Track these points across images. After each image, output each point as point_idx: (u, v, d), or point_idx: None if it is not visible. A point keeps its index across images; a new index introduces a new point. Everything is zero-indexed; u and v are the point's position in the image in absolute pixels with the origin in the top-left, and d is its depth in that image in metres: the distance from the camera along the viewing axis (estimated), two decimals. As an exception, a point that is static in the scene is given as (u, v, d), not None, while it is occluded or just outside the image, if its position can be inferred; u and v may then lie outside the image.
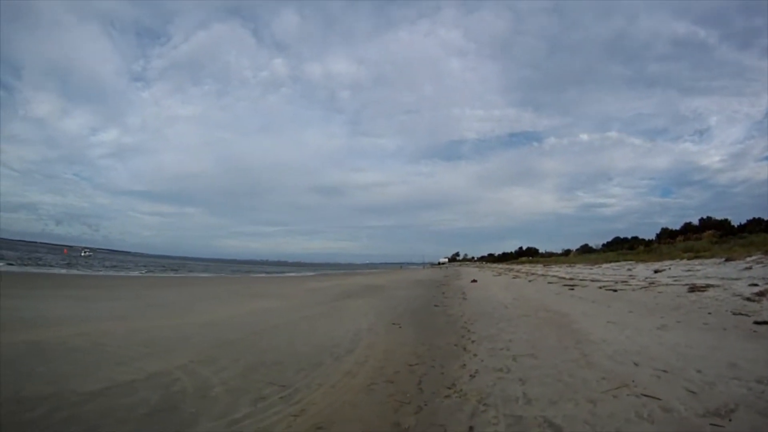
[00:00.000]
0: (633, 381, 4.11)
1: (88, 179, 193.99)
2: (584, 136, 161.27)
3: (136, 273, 33.87)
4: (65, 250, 70.80)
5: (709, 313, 7.50)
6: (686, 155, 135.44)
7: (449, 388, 4.51)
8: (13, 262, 31.97)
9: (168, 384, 4.67)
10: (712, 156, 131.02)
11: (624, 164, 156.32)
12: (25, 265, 31.57)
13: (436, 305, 13.09)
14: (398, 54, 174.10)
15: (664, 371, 4.35)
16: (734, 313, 7.19)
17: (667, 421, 3.23)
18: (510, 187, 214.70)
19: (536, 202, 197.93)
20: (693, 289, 10.52)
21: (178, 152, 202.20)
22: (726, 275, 12.14)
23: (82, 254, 62.36)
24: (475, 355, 5.83)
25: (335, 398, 4.38)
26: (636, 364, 4.68)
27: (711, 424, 3.12)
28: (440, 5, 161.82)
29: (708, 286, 10.64)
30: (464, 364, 5.39)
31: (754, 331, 5.91)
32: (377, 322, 9.31)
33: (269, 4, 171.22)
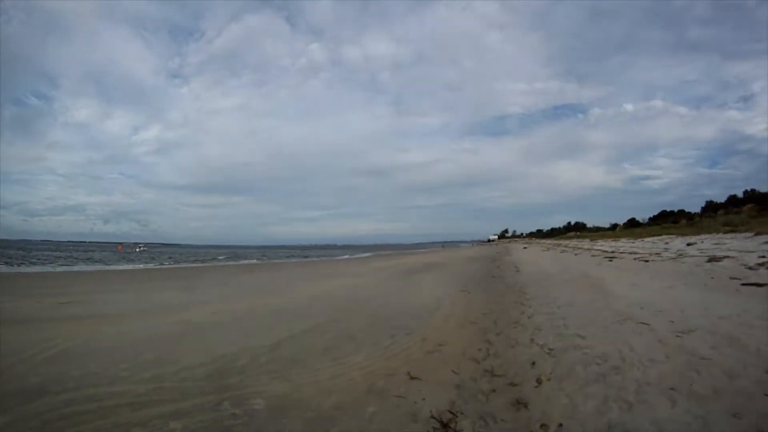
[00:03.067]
0: (635, 316, 6.56)
1: (133, 177, 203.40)
2: (629, 106, 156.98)
3: (206, 264, 35.87)
4: (119, 247, 73.53)
5: (712, 278, 9.69)
6: (731, 124, 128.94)
7: (515, 324, 7.06)
8: (76, 261, 35.06)
9: (322, 333, 6.83)
10: (758, 124, 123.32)
11: (670, 134, 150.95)
12: (95, 262, 35.16)
13: (493, 276, 15.69)
14: (436, 30, 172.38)
15: (659, 311, 6.76)
16: (731, 278, 9.34)
17: (651, 337, 5.65)
18: (556, 161, 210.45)
19: (583, 175, 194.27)
20: (711, 259, 12.54)
21: (222, 144, 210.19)
22: (745, 248, 13.98)
23: (137, 250, 65.15)
24: (529, 306, 8.37)
25: (442, 332, 6.85)
26: (641, 308, 7.09)
27: (676, 335, 5.55)
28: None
29: (724, 257, 12.61)
30: (523, 312, 7.95)
31: (737, 290, 8.12)
32: (449, 290, 11.91)
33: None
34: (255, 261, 42.86)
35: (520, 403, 3.86)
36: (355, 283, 14.90)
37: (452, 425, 3.50)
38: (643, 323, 6.18)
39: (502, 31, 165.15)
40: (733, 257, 12.40)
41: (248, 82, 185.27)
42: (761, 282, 8.57)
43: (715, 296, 7.73)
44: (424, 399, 4.09)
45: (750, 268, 10.39)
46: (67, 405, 3.98)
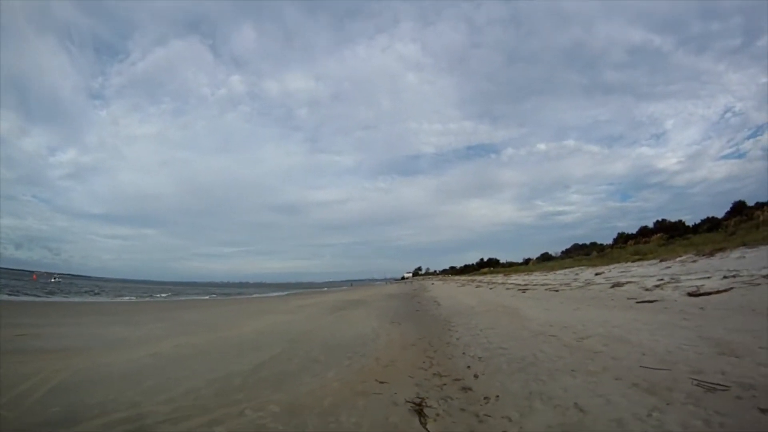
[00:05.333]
0: (546, 332, 7.36)
1: (47, 201, 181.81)
2: (542, 146, 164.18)
3: (128, 299, 33.37)
4: (34, 276, 67.82)
5: (612, 300, 10.99)
6: (643, 159, 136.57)
7: (447, 344, 7.70)
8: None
9: (290, 359, 7.16)
10: (669, 158, 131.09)
11: (582, 172, 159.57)
12: (17, 292, 30.57)
13: (417, 310, 16.38)
14: (356, 69, 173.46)
15: (565, 327, 7.63)
16: (628, 298, 10.65)
17: (558, 343, 6.41)
18: (469, 200, 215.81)
19: (496, 213, 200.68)
20: (614, 285, 14.08)
21: (137, 172, 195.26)
22: (647, 274, 15.85)
23: (52, 280, 60.61)
24: (456, 332, 9.02)
25: (389, 353, 7.41)
26: (551, 326, 7.96)
27: (577, 340, 6.33)
28: (398, 19, 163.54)
29: (627, 283, 14.20)
30: (451, 335, 8.60)
31: (632, 307, 9.34)
32: (381, 322, 12.25)
33: (228, 18, 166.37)
34: (197, 297, 40.06)
35: (466, 389, 5.08)
36: (290, 319, 14.71)
37: (423, 404, 4.64)
38: (552, 335, 7.02)
39: (419, 73, 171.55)
40: (635, 282, 14.02)
41: (167, 110, 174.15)
42: (653, 299, 9.87)
43: (613, 313, 8.83)
44: (395, 393, 5.12)
45: (647, 289, 11.86)
46: (108, 428, 4.15)
